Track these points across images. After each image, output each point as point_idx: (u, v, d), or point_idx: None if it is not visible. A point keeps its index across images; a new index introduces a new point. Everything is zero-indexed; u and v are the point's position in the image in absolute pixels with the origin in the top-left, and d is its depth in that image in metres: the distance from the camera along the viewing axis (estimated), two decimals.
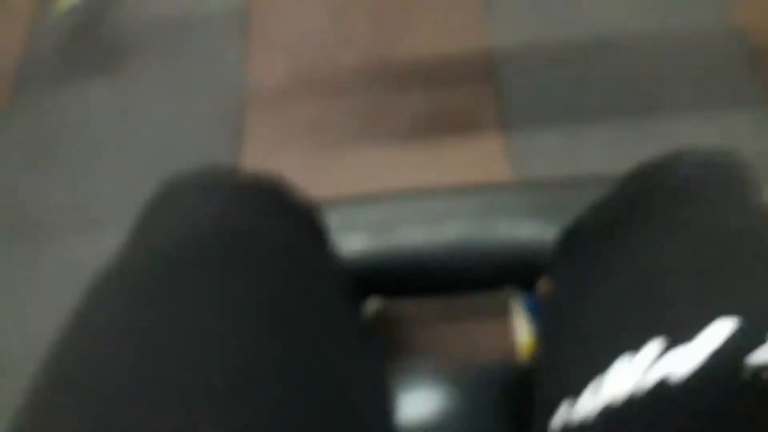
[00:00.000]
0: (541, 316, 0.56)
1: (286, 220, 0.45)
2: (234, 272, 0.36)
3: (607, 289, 0.37)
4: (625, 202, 0.44)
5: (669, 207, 0.40)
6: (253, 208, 0.43)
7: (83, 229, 1.09)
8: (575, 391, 0.31)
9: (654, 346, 0.29)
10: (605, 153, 1.07)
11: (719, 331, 0.28)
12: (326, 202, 0.55)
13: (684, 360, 0.28)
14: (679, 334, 0.29)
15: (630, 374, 0.29)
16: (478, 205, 0.57)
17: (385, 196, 0.61)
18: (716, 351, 0.28)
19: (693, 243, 0.35)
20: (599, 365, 0.31)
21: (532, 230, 0.54)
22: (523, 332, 0.85)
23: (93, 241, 1.03)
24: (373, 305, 0.86)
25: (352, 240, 0.54)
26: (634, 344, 0.30)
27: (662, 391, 0.28)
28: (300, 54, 1.25)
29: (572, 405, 0.31)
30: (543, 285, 0.62)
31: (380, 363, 0.44)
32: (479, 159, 1.09)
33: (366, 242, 0.55)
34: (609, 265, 0.39)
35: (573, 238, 0.47)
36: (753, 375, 0.27)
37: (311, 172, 1.08)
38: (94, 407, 0.30)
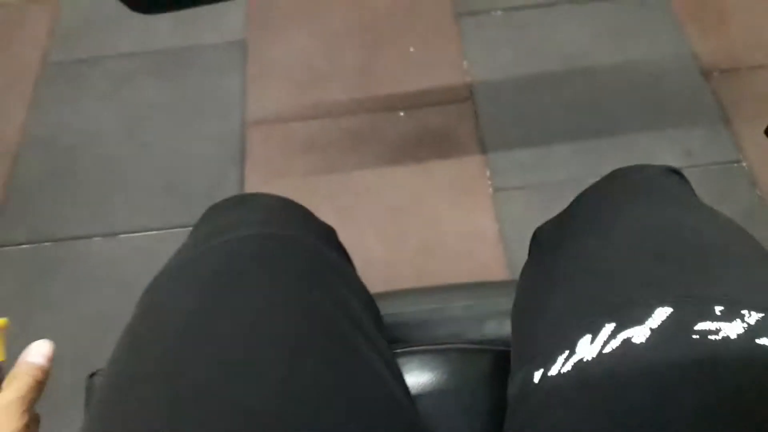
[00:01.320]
0: None
1: (314, 230, 0.51)
2: (280, 269, 0.42)
3: (572, 282, 0.42)
4: (578, 213, 0.51)
5: (613, 214, 0.45)
6: (288, 220, 0.50)
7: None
8: (548, 360, 0.37)
9: (609, 327, 0.34)
10: (571, 166, 1.18)
11: (660, 314, 0.33)
12: None
13: (638, 332, 0.33)
14: (628, 319, 0.34)
15: (594, 344, 0.34)
16: (469, 305, 0.61)
17: (385, 295, 0.63)
18: (666, 321, 0.33)
19: (634, 242, 0.41)
20: (566, 343, 0.36)
21: None
22: None
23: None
24: None
25: None
26: (593, 327, 0.35)
27: (628, 346, 0.33)
28: (295, 81, 1.34)
29: (547, 368, 0.36)
30: None
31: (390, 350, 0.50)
32: (461, 174, 1.20)
33: None
34: (573, 261, 0.44)
35: (538, 241, 0.54)
36: (701, 336, 0.32)
37: (308, 190, 1.18)
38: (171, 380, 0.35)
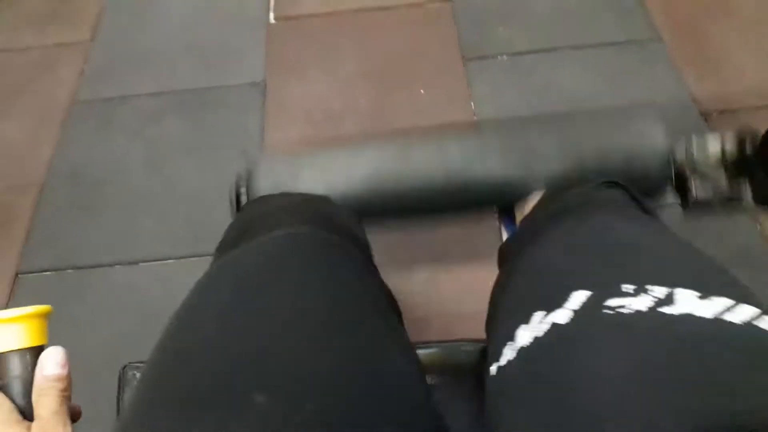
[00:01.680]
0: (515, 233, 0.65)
1: (344, 232, 0.55)
2: (313, 265, 0.46)
3: (514, 285, 0.48)
4: (525, 226, 0.58)
5: (549, 224, 0.52)
6: (322, 220, 0.54)
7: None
8: (498, 353, 0.42)
9: (539, 315, 0.40)
10: None
11: (577, 297, 0.38)
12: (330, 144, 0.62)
13: (561, 314, 0.38)
14: (552, 305, 0.39)
15: (528, 332, 0.39)
16: (458, 149, 0.65)
17: (384, 142, 0.68)
18: (583, 304, 0.38)
19: (564, 245, 0.47)
20: (508, 335, 0.41)
21: (504, 167, 0.63)
22: None
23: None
24: None
25: (355, 177, 0.64)
26: (527, 317, 0.40)
27: (555, 329, 0.38)
28: (311, 121, 1.40)
29: (499, 361, 0.41)
30: (518, 208, 0.74)
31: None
32: None
33: (367, 181, 0.64)
34: (516, 270, 0.50)
35: (500, 255, 0.61)
36: (613, 311, 0.36)
37: None
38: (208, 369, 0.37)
